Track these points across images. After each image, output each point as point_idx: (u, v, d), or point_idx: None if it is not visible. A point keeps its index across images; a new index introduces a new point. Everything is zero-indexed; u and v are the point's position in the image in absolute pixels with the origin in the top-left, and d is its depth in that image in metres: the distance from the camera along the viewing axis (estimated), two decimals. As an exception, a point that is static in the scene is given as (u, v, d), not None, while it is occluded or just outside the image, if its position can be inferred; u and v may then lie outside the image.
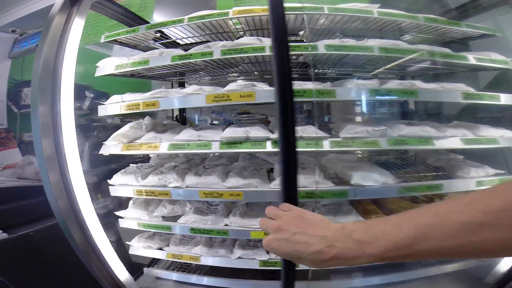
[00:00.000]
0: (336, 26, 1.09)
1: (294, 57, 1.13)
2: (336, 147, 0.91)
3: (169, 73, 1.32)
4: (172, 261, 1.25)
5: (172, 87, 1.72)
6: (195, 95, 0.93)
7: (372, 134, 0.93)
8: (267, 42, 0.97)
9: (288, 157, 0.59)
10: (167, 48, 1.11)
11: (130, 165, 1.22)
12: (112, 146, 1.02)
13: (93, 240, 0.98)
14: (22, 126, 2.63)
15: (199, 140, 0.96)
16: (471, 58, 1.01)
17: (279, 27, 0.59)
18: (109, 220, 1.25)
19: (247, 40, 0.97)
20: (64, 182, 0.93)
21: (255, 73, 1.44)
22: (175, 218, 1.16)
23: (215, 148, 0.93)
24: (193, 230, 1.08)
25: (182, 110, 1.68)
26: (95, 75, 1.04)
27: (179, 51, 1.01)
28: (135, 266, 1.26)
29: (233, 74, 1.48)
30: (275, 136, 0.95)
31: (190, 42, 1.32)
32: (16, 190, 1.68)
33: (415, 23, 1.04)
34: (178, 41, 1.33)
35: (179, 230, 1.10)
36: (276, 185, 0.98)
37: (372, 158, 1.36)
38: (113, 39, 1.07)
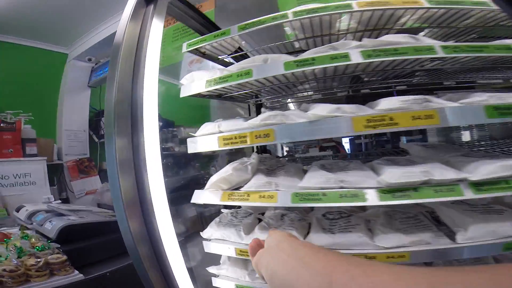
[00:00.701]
0: None
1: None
2: None
3: (246, 93, 1.01)
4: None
5: (249, 112, 1.42)
6: (333, 119, 0.60)
7: None
8: (428, 41, 0.61)
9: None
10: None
11: (223, 211, 0.94)
12: (208, 194, 0.75)
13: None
14: (102, 155, 2.75)
15: (341, 188, 0.62)
16: None
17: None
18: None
19: (395, 38, 0.61)
20: (148, 228, 0.69)
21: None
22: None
23: (372, 200, 0.59)
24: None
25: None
26: (181, 96, 0.77)
27: (289, 57, 0.69)
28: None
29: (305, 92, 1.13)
30: (474, 177, 0.57)
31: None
32: (95, 226, 1.59)
33: None
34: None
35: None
36: (467, 239, 0.60)
37: None
38: (197, 47, 0.79)
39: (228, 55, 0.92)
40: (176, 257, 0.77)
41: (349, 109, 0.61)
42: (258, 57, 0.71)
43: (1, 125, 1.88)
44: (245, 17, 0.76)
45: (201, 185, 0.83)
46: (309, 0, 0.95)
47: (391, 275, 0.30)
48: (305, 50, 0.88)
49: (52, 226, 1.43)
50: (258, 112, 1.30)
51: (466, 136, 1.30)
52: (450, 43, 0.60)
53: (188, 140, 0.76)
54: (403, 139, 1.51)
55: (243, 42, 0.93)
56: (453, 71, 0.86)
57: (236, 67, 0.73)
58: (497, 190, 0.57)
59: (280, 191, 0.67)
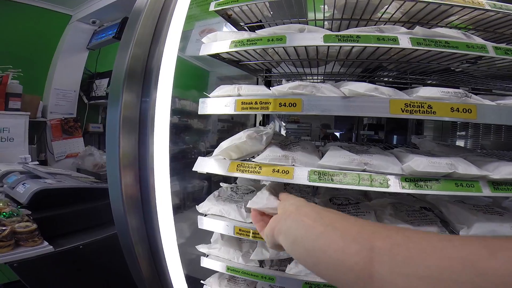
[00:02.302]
0: None
1: None
2: None
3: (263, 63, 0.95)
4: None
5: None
6: (370, 98, 0.56)
7: None
8: (479, 40, 0.60)
9: None
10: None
11: (222, 185, 0.87)
12: (214, 163, 0.68)
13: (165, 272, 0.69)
14: (89, 117, 2.65)
15: (364, 171, 0.59)
16: None
17: None
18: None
19: (450, 32, 0.59)
20: (143, 193, 0.62)
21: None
22: (280, 264, 0.83)
23: (394, 187, 0.57)
24: (307, 284, 0.74)
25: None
26: (200, 54, 0.68)
27: (327, 31, 0.64)
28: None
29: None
30: (496, 175, 0.57)
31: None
32: (73, 192, 1.44)
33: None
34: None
35: (290, 284, 0.77)
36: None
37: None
38: (226, 7, 0.70)
39: (253, 22, 0.84)
40: (169, 231, 0.71)
41: (386, 91, 0.58)
42: (294, 25, 0.65)
43: (-13, 79, 1.66)
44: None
45: (188, 159, 0.77)
46: None
47: (441, 241, 0.27)
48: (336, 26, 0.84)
49: (25, 190, 1.27)
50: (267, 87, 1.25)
51: (460, 143, 1.36)
52: (503, 45, 0.59)
53: (200, 100, 0.68)
54: (394, 138, 1.55)
55: (271, 13, 0.86)
56: (482, 75, 0.86)
57: (267, 31, 0.66)
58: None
59: (297, 167, 0.63)
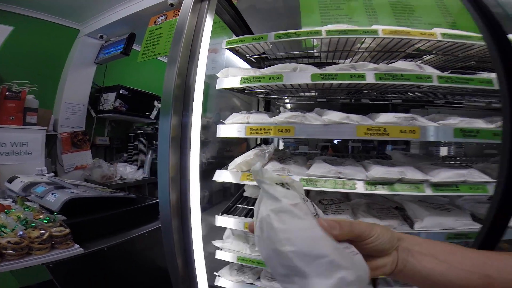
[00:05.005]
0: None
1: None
2: None
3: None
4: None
5: (258, 106, 1.58)
6: (342, 124, 0.79)
7: None
8: (430, 70, 0.82)
9: None
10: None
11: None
12: (229, 174, 0.90)
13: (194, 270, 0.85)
14: (97, 130, 2.75)
15: (339, 178, 0.81)
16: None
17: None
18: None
19: (405, 66, 0.82)
20: (182, 198, 0.78)
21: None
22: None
23: (360, 188, 0.78)
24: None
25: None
26: (217, 88, 0.91)
27: (315, 69, 0.87)
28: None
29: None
30: (435, 179, 0.79)
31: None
32: (97, 200, 1.62)
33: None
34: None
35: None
36: (422, 227, 0.82)
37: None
38: (235, 46, 0.94)
39: (258, 54, 1.08)
40: (197, 231, 0.86)
41: (355, 118, 0.80)
42: (289, 65, 0.88)
43: (7, 93, 1.85)
44: (266, 14, 0.90)
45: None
46: (330, 18, 1.13)
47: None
48: (323, 60, 1.05)
49: (56, 199, 1.43)
50: (267, 106, 1.48)
51: (443, 151, 1.57)
52: (445, 73, 0.80)
53: (219, 126, 0.90)
54: (388, 147, 1.74)
55: (270, 46, 1.08)
56: (445, 93, 1.08)
57: (269, 70, 0.89)
58: (449, 191, 0.80)
59: (291, 176, 0.84)
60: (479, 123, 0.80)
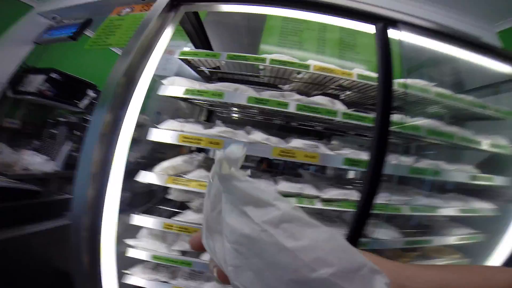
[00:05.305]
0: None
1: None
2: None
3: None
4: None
5: (200, 114, 1.65)
6: (262, 145, 0.95)
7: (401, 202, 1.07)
8: (339, 106, 1.02)
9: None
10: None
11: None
12: (153, 176, 0.94)
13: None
14: (12, 112, 2.38)
15: (255, 188, 0.96)
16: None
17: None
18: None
19: (321, 100, 1.01)
20: (98, 196, 0.79)
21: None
22: (197, 253, 1.10)
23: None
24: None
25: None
26: (159, 93, 0.96)
27: (253, 92, 1.01)
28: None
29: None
30: (325, 195, 1.02)
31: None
32: None
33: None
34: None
35: (205, 268, 1.04)
36: None
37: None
38: (188, 58, 1.02)
39: (211, 68, 1.17)
40: (111, 229, 0.86)
41: (274, 140, 0.97)
42: (232, 85, 1.00)
43: None
44: (231, 30, 1.01)
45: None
46: (286, 42, 1.30)
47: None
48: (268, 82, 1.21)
49: None
50: (209, 115, 1.57)
51: (351, 174, 1.93)
52: (350, 110, 1.01)
53: (151, 129, 0.94)
54: (312, 167, 2.00)
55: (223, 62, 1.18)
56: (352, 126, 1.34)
57: (213, 87, 0.98)
58: (337, 206, 1.03)
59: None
60: (363, 155, 1.08)
